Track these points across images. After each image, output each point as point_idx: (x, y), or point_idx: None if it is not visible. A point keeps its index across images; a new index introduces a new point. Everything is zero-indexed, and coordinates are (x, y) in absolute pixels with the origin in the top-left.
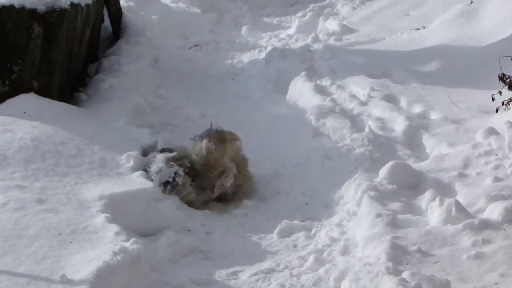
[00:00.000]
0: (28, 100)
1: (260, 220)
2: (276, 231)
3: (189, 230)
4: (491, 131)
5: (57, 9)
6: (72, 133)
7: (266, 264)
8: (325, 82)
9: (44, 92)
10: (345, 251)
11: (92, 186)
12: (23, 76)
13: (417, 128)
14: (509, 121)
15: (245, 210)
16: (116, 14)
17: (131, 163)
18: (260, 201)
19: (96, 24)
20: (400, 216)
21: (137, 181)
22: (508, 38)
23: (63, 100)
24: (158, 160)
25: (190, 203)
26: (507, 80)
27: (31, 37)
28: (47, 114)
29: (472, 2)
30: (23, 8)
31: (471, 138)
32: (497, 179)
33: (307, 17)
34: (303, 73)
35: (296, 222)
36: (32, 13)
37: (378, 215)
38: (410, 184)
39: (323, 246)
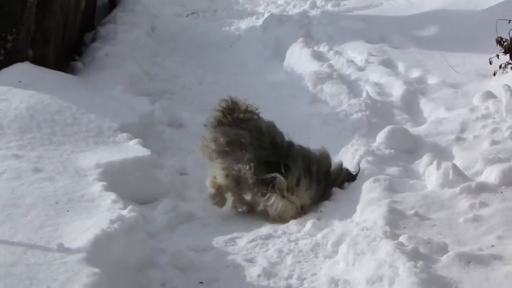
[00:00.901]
0: (23, 69)
1: None
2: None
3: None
4: (489, 95)
5: None
6: (68, 101)
7: (264, 230)
8: (323, 48)
9: (39, 61)
10: (342, 216)
11: (88, 155)
12: (18, 45)
13: (414, 92)
14: (506, 85)
15: None
16: None
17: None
18: None
19: None
20: (397, 181)
21: (134, 149)
22: (506, 1)
23: (59, 69)
24: None
25: None
26: (505, 44)
27: (25, 6)
28: (42, 83)
29: None
30: None
31: (468, 102)
32: (494, 142)
33: None
34: (300, 40)
35: None
36: None
37: (376, 180)
38: (407, 149)
39: (321, 211)
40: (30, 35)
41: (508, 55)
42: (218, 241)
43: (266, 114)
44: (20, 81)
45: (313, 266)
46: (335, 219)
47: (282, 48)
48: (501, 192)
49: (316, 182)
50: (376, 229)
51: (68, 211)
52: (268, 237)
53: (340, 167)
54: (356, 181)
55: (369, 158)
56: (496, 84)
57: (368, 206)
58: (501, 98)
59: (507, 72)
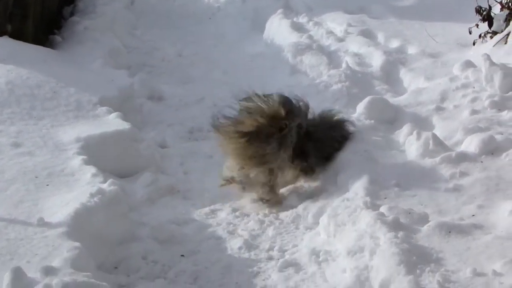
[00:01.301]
0: (1, 44)
1: None
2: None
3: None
4: (468, 64)
5: None
6: (47, 76)
7: (245, 202)
8: (302, 19)
9: (18, 35)
10: (323, 188)
11: (68, 129)
12: None
13: (394, 62)
14: (485, 54)
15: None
16: None
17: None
18: None
19: None
20: (377, 151)
21: (114, 123)
22: None
23: (38, 43)
24: None
25: None
26: (484, 13)
27: None
28: (21, 57)
29: None
30: None
31: (448, 72)
32: (474, 112)
33: None
34: (279, 11)
35: None
36: None
37: (356, 150)
38: (387, 119)
39: (302, 183)
40: (8, 10)
41: (486, 23)
42: (199, 213)
43: (246, 86)
44: None
45: (294, 238)
46: (315, 190)
47: (262, 19)
48: (481, 162)
49: None
50: (357, 199)
51: (48, 185)
52: (249, 208)
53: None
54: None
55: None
56: (476, 54)
57: (348, 177)
58: (480, 67)
59: (486, 41)
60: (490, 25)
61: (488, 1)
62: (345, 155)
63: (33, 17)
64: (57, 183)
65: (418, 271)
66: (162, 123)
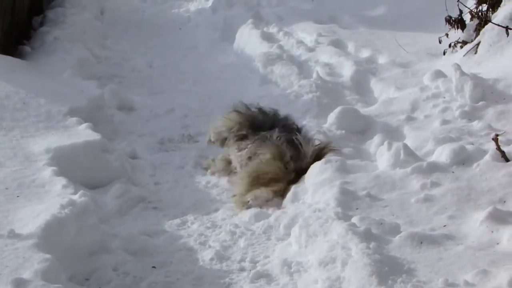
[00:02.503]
0: None
1: None
2: (226, 180)
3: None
4: (439, 74)
5: None
6: (16, 86)
7: (216, 213)
8: (272, 29)
9: None
10: (294, 198)
11: (38, 140)
12: None
13: (365, 72)
14: (456, 64)
15: (194, 156)
16: None
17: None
18: (209, 148)
19: None
20: (349, 161)
21: (83, 133)
22: None
23: (7, 53)
24: None
25: None
26: (453, 23)
27: None
28: None
29: None
30: None
31: (418, 81)
32: (445, 122)
33: None
34: (250, 21)
35: None
36: None
37: (327, 161)
38: (358, 129)
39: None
40: None
41: (456, 33)
42: (170, 224)
43: (216, 96)
44: None
45: (266, 249)
46: (287, 202)
47: (232, 29)
48: (452, 172)
49: None
50: (328, 210)
51: (18, 196)
52: (221, 219)
53: None
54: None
55: (321, 139)
56: (446, 63)
57: (320, 187)
58: (451, 77)
59: (456, 51)
60: (462, 28)
61: (458, 6)
62: (317, 165)
63: (2, 27)
64: (27, 195)
65: (390, 282)
66: (133, 134)
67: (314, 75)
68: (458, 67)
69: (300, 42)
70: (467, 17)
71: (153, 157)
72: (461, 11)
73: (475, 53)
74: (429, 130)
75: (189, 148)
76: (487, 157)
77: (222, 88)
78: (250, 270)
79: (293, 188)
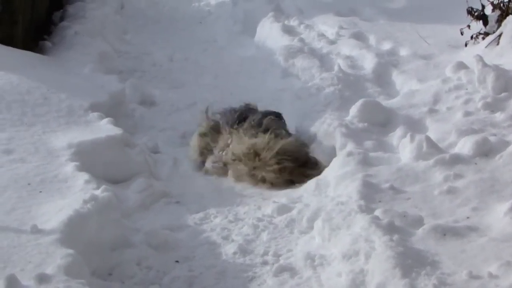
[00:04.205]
0: None
1: None
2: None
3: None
4: (461, 66)
5: None
6: (38, 81)
7: (239, 206)
8: (293, 22)
9: (7, 41)
10: (317, 192)
11: (60, 135)
12: None
13: (386, 65)
14: (478, 55)
15: None
16: None
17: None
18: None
19: None
20: (371, 154)
21: (105, 128)
22: None
23: (28, 48)
24: None
25: None
26: (475, 14)
27: None
28: (11, 63)
29: None
30: None
31: (440, 73)
32: (467, 113)
33: None
34: (270, 14)
35: None
36: None
37: (349, 154)
38: (380, 122)
39: (296, 185)
40: None
41: (477, 24)
42: (193, 218)
43: (237, 90)
44: None
45: (289, 242)
46: (310, 194)
47: (253, 23)
48: (475, 164)
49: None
50: (351, 203)
51: (40, 192)
52: (243, 213)
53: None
54: (329, 156)
55: (343, 131)
56: (468, 55)
57: (342, 180)
58: (473, 68)
59: (478, 42)
60: (485, 24)
61: (480, 1)
62: (339, 158)
63: (23, 23)
64: (50, 190)
65: (413, 274)
66: (154, 128)
67: (336, 68)
68: (480, 58)
69: (321, 35)
70: (488, 8)
71: (175, 151)
72: (483, 6)
73: (497, 44)
74: (452, 122)
75: None
76: (510, 148)
77: (242, 82)
78: (273, 264)
79: (315, 180)
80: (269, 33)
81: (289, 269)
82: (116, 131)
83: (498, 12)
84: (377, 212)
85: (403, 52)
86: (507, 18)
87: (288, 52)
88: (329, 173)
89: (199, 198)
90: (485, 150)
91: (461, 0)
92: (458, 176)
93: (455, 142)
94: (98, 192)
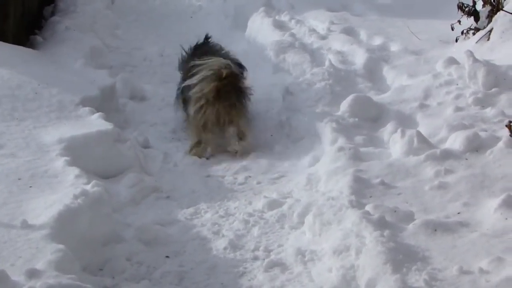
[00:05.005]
0: None
1: (222, 158)
2: (237, 168)
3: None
4: (451, 61)
5: None
6: (28, 76)
7: (230, 201)
8: (284, 17)
9: None
10: (308, 187)
11: (51, 130)
12: None
13: (377, 60)
14: (468, 50)
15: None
16: None
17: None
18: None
19: None
20: (362, 149)
21: (96, 123)
22: None
23: (19, 43)
24: None
25: None
26: (466, 9)
27: None
28: (1, 58)
29: None
30: None
31: (431, 69)
32: (458, 109)
33: None
34: (261, 9)
35: (258, 158)
36: None
37: (340, 149)
38: (371, 117)
39: (287, 181)
40: None
41: (468, 20)
42: (183, 213)
43: None
44: None
45: (280, 237)
46: (300, 189)
47: (244, 18)
48: (466, 159)
49: None
50: (342, 198)
51: (31, 187)
52: (234, 208)
53: None
54: (320, 150)
55: (333, 127)
56: (459, 50)
57: (333, 175)
58: (463, 64)
59: (469, 38)
60: (476, 20)
61: None
62: (330, 153)
63: (14, 17)
64: (40, 185)
65: (404, 269)
66: (145, 123)
67: (327, 63)
68: (470, 53)
69: (312, 30)
70: (479, 3)
71: (166, 146)
72: (474, 2)
73: (488, 39)
74: (442, 117)
75: None
76: (500, 144)
77: None
78: (264, 259)
79: (306, 175)
80: (260, 28)
81: (280, 264)
82: (107, 126)
83: (488, 7)
84: (368, 207)
85: (394, 47)
86: (498, 13)
87: (279, 47)
88: (320, 168)
89: (189, 193)
90: (476, 146)
91: None
92: (449, 171)
93: (446, 137)
94: (88, 187)
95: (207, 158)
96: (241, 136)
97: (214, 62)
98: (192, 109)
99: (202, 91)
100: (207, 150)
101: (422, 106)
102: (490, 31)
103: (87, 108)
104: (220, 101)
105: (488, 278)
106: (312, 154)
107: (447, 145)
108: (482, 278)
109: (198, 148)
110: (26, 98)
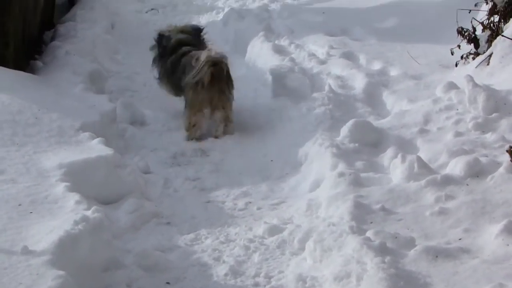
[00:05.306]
0: None
1: (223, 182)
2: (237, 193)
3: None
4: (451, 86)
5: None
6: (29, 101)
7: (230, 227)
8: (284, 42)
9: None
10: (308, 213)
11: (51, 155)
12: None
13: (377, 85)
14: (468, 75)
15: (206, 171)
16: None
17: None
18: (223, 162)
19: None
20: (362, 175)
21: (96, 148)
22: None
23: (19, 68)
24: None
25: None
26: (466, 34)
27: None
28: (2, 83)
29: None
30: None
31: (431, 94)
32: (458, 134)
33: None
34: (261, 34)
35: (258, 184)
36: None
37: (341, 174)
38: (371, 142)
39: (287, 207)
40: None
41: (472, 45)
42: (184, 239)
43: None
44: None
45: (280, 264)
46: (300, 215)
47: (243, 42)
48: (467, 184)
49: None
50: (343, 224)
51: (31, 213)
52: (234, 234)
53: None
54: (320, 176)
55: (334, 152)
56: (458, 75)
57: (333, 201)
58: (463, 89)
59: (468, 62)
60: (476, 47)
61: (471, 21)
62: (330, 179)
63: (14, 43)
64: (40, 211)
65: None
66: (145, 148)
67: (326, 88)
68: (470, 78)
69: (312, 55)
70: (478, 28)
71: (166, 172)
72: (474, 29)
73: (488, 64)
74: (443, 142)
75: (202, 162)
76: (501, 169)
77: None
78: (265, 286)
79: (307, 201)
80: (260, 52)
81: None
82: (107, 151)
83: (488, 32)
84: (369, 233)
85: (394, 72)
86: (497, 38)
87: (279, 71)
88: (321, 194)
89: (190, 219)
90: (476, 171)
91: (452, 20)
92: (449, 197)
93: (446, 162)
94: (89, 213)
95: (198, 139)
96: (226, 122)
97: (207, 51)
98: (189, 94)
99: (198, 76)
100: (198, 131)
101: (422, 131)
102: (490, 56)
103: (87, 133)
104: (213, 86)
105: None
106: (312, 179)
107: (447, 170)
108: None
109: (192, 130)
110: (27, 123)
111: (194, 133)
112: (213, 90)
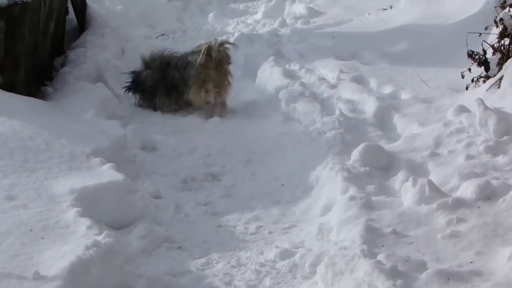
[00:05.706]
0: None
1: (234, 206)
2: (249, 217)
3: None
4: (462, 109)
5: (19, 2)
6: (40, 127)
7: (241, 251)
8: (294, 66)
9: (9, 87)
10: (319, 236)
11: (62, 181)
12: None
13: (387, 108)
14: (479, 98)
15: (217, 196)
16: (81, 6)
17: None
18: (234, 186)
19: (61, 16)
20: (373, 198)
21: (107, 174)
22: (475, 14)
23: (30, 94)
24: None
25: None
26: (476, 57)
27: None
28: (13, 109)
29: None
30: None
31: (442, 117)
32: (469, 157)
33: (273, 1)
34: (271, 58)
35: (269, 208)
36: None
37: (352, 198)
38: (382, 166)
39: (299, 231)
40: None
41: (482, 68)
42: (195, 264)
43: (239, 134)
44: None
45: None
46: (312, 239)
47: (253, 67)
48: (478, 207)
49: None
50: (354, 248)
51: (43, 238)
52: (245, 258)
53: None
54: (331, 199)
55: (345, 176)
56: (469, 98)
57: (345, 225)
58: (474, 112)
59: (479, 85)
60: (486, 70)
61: (482, 44)
62: (341, 202)
63: (25, 69)
64: (52, 236)
65: None
66: (156, 173)
67: (337, 112)
68: (481, 101)
69: (322, 79)
70: (489, 51)
71: (177, 196)
72: (484, 52)
73: (498, 87)
74: (454, 165)
75: (212, 187)
76: None
77: (244, 126)
78: None
79: (318, 225)
80: (270, 77)
81: None
82: (118, 176)
83: (499, 55)
84: (380, 257)
85: (404, 95)
86: (508, 61)
87: (289, 96)
88: (332, 218)
89: (201, 243)
90: (488, 194)
91: (462, 43)
92: (461, 220)
93: (458, 185)
94: (100, 238)
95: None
96: (223, 105)
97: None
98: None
99: (201, 61)
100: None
101: (433, 155)
102: (501, 78)
103: (98, 159)
104: (217, 70)
105: None
106: (323, 203)
107: (458, 193)
108: None
109: (205, 95)
110: (38, 149)
111: (206, 97)
112: (218, 73)
